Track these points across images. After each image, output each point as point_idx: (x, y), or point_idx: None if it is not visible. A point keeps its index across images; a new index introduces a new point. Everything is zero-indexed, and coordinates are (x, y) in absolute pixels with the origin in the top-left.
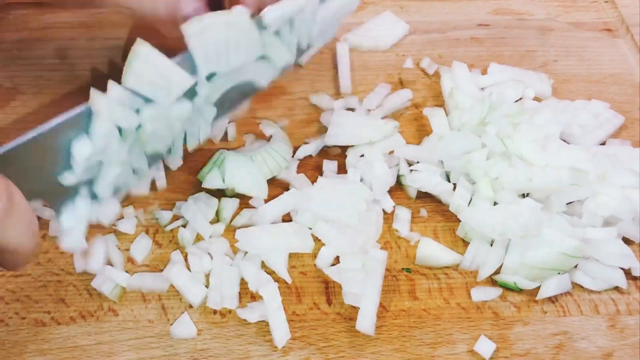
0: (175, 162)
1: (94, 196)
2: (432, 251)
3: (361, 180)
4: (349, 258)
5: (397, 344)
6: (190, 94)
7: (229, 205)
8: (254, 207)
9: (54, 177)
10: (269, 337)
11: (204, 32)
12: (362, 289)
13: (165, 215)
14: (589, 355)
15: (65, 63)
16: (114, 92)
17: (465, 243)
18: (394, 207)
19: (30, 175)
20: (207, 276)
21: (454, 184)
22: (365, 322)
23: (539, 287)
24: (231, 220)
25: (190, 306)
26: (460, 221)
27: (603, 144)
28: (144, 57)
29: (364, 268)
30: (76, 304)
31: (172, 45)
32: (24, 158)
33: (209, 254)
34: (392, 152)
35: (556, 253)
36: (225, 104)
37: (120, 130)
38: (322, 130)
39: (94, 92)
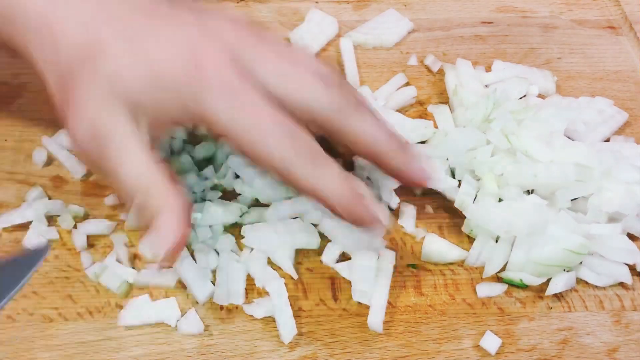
0: None
1: None
2: (438, 247)
3: (368, 178)
4: (361, 256)
5: (403, 339)
6: None
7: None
8: (263, 206)
9: None
10: (275, 333)
11: None
12: (373, 287)
13: None
14: (594, 351)
15: None
16: None
17: (471, 239)
18: (399, 203)
19: None
20: (214, 273)
21: (459, 181)
22: (376, 320)
23: (544, 283)
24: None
25: (197, 302)
26: (465, 217)
27: (607, 140)
28: None
29: (375, 266)
30: (83, 300)
31: None
32: None
33: (215, 250)
34: None
35: (562, 250)
36: None
37: None
38: None
39: None
